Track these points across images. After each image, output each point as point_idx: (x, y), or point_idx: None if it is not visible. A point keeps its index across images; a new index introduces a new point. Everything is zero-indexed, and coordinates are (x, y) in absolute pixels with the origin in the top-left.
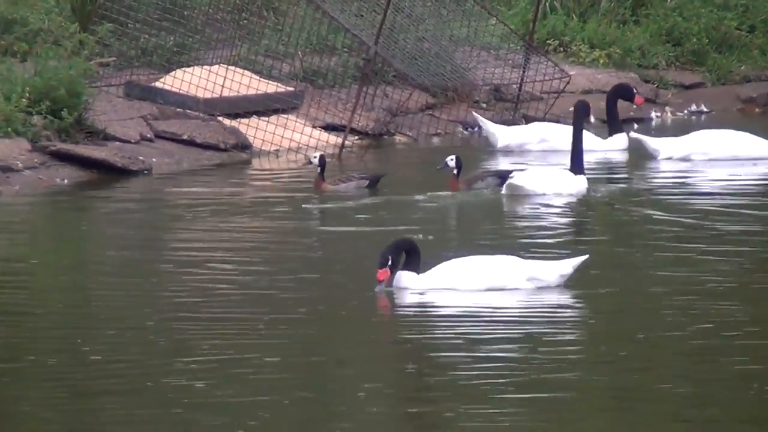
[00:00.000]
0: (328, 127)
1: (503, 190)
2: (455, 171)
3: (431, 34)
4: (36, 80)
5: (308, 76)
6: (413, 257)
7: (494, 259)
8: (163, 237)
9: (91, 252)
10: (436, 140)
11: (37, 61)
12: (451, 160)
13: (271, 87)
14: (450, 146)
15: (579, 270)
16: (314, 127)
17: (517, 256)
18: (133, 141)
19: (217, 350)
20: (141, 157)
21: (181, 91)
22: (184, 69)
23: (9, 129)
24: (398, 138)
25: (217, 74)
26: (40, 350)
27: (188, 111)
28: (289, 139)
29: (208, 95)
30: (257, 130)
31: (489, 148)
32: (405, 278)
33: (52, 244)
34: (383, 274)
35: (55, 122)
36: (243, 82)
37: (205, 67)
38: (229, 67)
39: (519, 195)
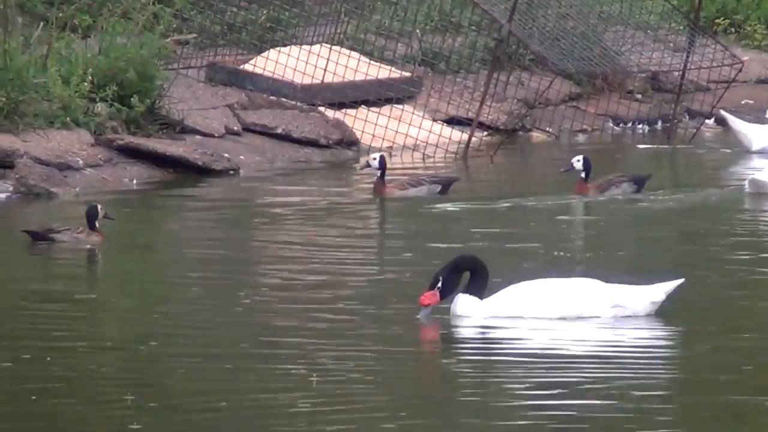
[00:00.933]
0: (452, 121)
1: (746, 188)
2: (582, 174)
3: (576, 9)
4: (101, 60)
5: (428, 60)
6: (478, 278)
7: (570, 282)
8: (248, 252)
9: (164, 269)
10: (581, 137)
11: (102, 38)
12: (578, 161)
13: (383, 72)
14: (598, 144)
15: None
16: (434, 120)
17: (599, 279)
18: (216, 135)
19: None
20: (226, 155)
21: (274, 76)
22: (278, 49)
23: (67, 118)
24: (535, 134)
25: (318, 55)
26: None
27: (283, 99)
28: (405, 134)
29: (307, 81)
30: (366, 124)
31: (741, 149)
32: (463, 304)
33: (116, 261)
34: (429, 297)
35: (123, 111)
36: (349, 66)
37: (304, 46)
38: (333, 47)
39: (762, 194)
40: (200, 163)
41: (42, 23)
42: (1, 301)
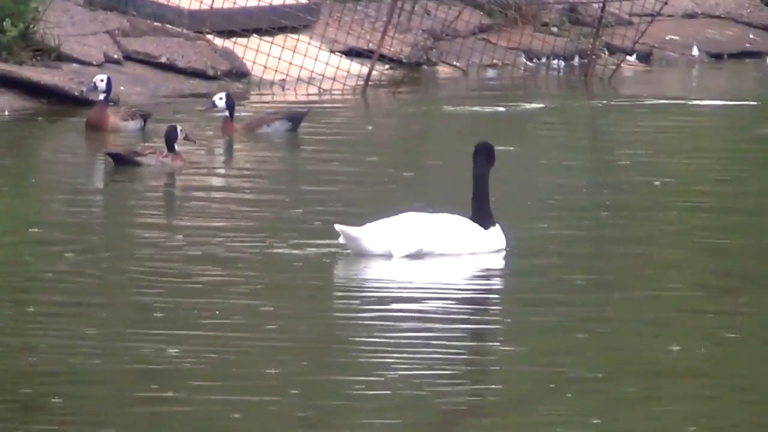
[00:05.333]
0: (351, 53)
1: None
2: (227, 112)
3: None
4: None
5: None
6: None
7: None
8: (114, 194)
9: (29, 212)
10: (491, 72)
11: None
12: (221, 99)
13: None
14: (509, 80)
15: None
16: (332, 51)
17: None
18: (95, 63)
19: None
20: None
21: (159, 0)
22: None
23: None
24: (442, 68)
25: None
26: None
27: (168, 26)
28: (300, 66)
29: (194, 6)
30: (258, 54)
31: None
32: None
33: None
34: None
35: None
36: None
37: None
38: None
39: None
40: (76, 94)
41: None
42: None
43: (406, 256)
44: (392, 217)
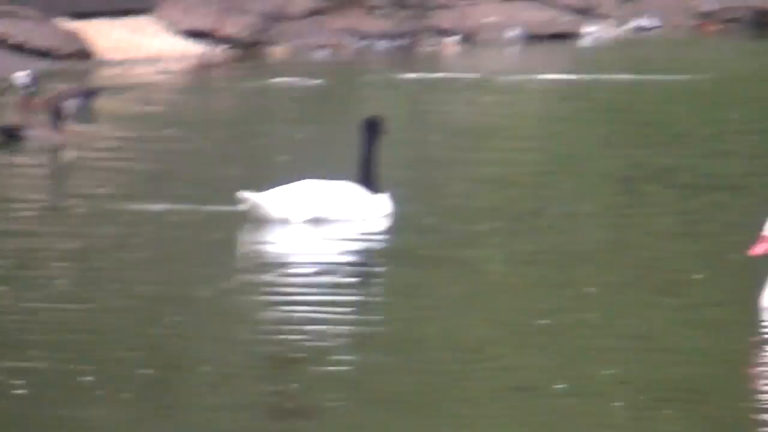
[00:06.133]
0: (192, 34)
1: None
2: (31, 89)
3: None
4: None
5: None
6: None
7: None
8: None
9: None
10: (322, 52)
11: None
12: (27, 75)
13: None
14: (338, 61)
15: None
16: (174, 33)
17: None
18: None
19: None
20: None
21: None
22: None
23: None
24: (277, 49)
25: None
26: None
27: (18, 7)
28: (143, 46)
29: None
30: (103, 35)
31: None
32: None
33: None
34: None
35: None
36: None
37: None
38: None
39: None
40: None
41: None
42: None
43: (304, 222)
44: (291, 184)
